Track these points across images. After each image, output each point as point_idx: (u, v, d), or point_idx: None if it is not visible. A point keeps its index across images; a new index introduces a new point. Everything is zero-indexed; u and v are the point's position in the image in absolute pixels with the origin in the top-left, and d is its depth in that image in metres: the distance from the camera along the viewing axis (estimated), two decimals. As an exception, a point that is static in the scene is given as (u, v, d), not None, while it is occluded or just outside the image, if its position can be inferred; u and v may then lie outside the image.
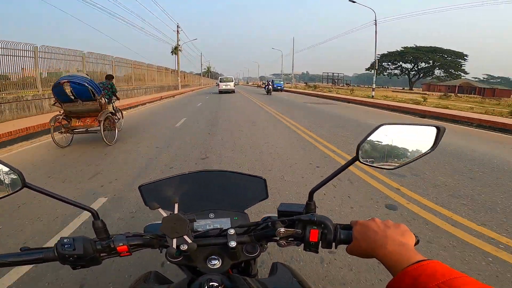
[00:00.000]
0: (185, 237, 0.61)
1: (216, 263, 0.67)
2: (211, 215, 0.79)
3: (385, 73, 71.18)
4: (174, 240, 0.61)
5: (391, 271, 0.50)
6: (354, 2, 21.44)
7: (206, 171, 0.86)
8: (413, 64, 67.05)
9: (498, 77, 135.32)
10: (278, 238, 0.65)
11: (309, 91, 32.79)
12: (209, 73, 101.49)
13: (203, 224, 0.77)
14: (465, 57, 62.31)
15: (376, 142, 0.63)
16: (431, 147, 0.62)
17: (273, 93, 30.48)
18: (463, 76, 64.18)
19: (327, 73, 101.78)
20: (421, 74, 67.93)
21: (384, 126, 0.62)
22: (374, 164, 0.63)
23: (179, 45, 36.17)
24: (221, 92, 28.83)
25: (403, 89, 79.37)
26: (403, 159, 0.63)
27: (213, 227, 0.76)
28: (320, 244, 0.63)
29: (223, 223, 0.77)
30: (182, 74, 38.95)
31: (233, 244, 0.64)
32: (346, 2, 22.32)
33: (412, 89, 64.16)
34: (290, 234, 0.64)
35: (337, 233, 0.63)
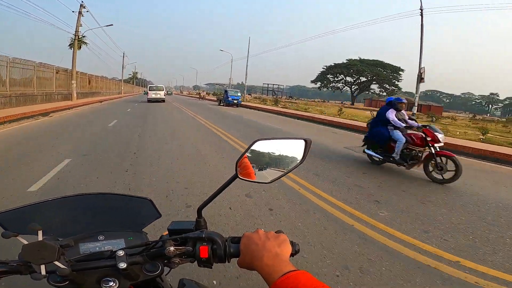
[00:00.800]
0: (56, 262, 0.58)
1: (112, 284, 0.64)
2: (101, 237, 0.73)
3: (329, 87, 69.25)
4: (43, 267, 0.57)
5: (268, 284, 0.50)
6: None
7: (82, 194, 0.77)
8: (355, 78, 66.09)
9: (478, 96, 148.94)
10: (170, 256, 0.64)
11: (270, 107, 25.36)
12: (134, 80, 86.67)
13: (91, 247, 0.71)
14: (400, 71, 63.17)
15: (252, 158, 0.67)
16: (301, 159, 0.68)
17: (224, 109, 22.71)
18: (396, 91, 65.79)
19: (268, 84, 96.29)
20: (360, 89, 67.56)
21: (258, 142, 0.67)
22: (251, 180, 0.67)
23: (81, 34, 22.27)
24: (150, 101, 26.91)
25: (342, 103, 79.57)
26: (278, 173, 0.68)
27: (105, 249, 0.70)
28: (212, 260, 0.64)
29: (116, 244, 0.72)
30: (83, 76, 25.56)
31: (122, 265, 0.61)
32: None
33: (353, 104, 63.05)
34: (182, 252, 0.64)
35: (226, 247, 0.64)
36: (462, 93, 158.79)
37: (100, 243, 0.73)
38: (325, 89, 71.45)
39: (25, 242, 0.58)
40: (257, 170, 0.68)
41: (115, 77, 66.46)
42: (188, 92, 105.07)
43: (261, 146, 0.67)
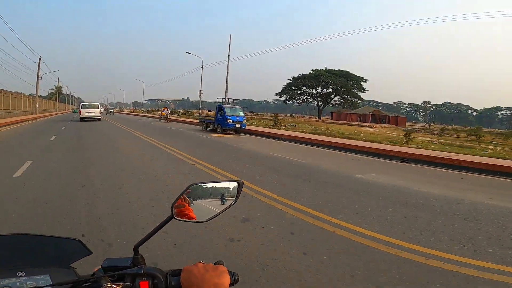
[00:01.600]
0: None
1: None
2: (20, 273, 0.68)
3: (296, 99, 63.68)
4: None
5: None
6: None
7: (3, 235, 0.73)
8: (320, 89, 61.63)
9: (408, 105, 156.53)
10: None
11: (284, 132, 17.49)
12: (58, 95, 67.56)
13: (10, 283, 0.66)
14: (363, 81, 60.44)
15: (187, 200, 0.71)
16: (235, 199, 0.74)
17: (223, 138, 14.18)
18: (359, 102, 63.76)
19: (223, 98, 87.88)
20: (323, 101, 63.47)
21: (194, 186, 0.72)
22: (187, 220, 0.70)
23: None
24: (83, 120, 24.43)
25: (304, 116, 75.15)
26: (212, 213, 0.72)
27: (27, 285, 0.66)
28: None
29: (40, 280, 0.68)
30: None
31: None
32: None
33: (320, 118, 58.65)
34: None
35: (167, 281, 0.65)
36: (395, 102, 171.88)
37: (21, 279, 0.67)
38: (289, 102, 65.92)
39: None
40: (193, 210, 0.71)
41: (33, 93, 51.15)
42: (132, 110, 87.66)
43: (196, 189, 0.72)
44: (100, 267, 0.70)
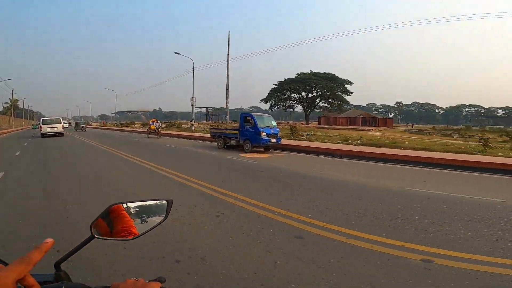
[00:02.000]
0: None
1: None
2: None
3: (282, 105, 60.27)
4: None
5: None
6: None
7: None
8: (305, 94, 58.95)
9: (380, 106, 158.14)
10: None
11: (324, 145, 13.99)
12: (13, 110, 58.17)
13: None
14: (348, 84, 58.12)
15: (109, 220, 0.70)
16: (164, 216, 0.76)
17: (263, 161, 10.31)
18: (345, 105, 61.93)
19: (201, 107, 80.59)
20: (308, 105, 60.74)
21: (116, 205, 0.71)
22: (110, 238, 0.71)
23: None
24: (44, 136, 22.52)
25: (288, 123, 72.43)
26: (142, 229, 0.72)
27: None
28: None
29: None
30: None
31: None
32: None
33: (308, 124, 56.05)
34: None
35: None
36: (367, 104, 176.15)
37: None
38: (275, 109, 62.41)
39: None
40: (117, 228, 0.70)
41: None
42: (103, 123, 74.32)
43: (120, 209, 0.71)
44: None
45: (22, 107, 74.24)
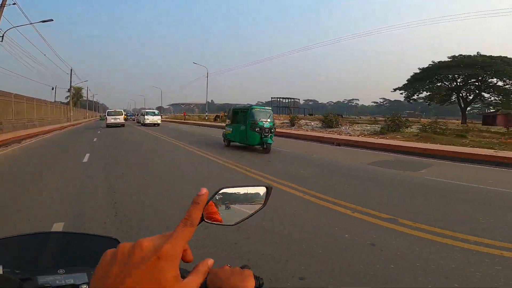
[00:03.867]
0: None
1: None
2: (61, 271, 0.73)
3: (415, 97, 47.22)
4: None
5: None
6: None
7: (43, 233, 0.79)
8: (463, 82, 43.84)
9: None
10: None
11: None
12: (77, 100, 59.51)
13: (51, 280, 0.70)
14: None
15: (218, 202, 0.72)
16: (263, 204, 0.73)
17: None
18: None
19: (279, 98, 71.77)
20: (466, 97, 44.83)
21: (223, 189, 0.71)
22: (216, 223, 0.70)
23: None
24: (109, 126, 25.19)
25: (431, 119, 65.00)
26: (240, 217, 0.72)
27: (65, 283, 0.70)
28: None
29: (78, 278, 0.72)
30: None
31: None
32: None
33: (465, 123, 37.84)
34: None
35: None
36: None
37: (61, 276, 0.72)
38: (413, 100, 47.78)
39: None
40: (222, 214, 0.70)
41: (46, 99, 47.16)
42: (183, 116, 53.92)
43: (226, 193, 0.72)
44: None
45: (91, 99, 78.18)
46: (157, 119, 28.48)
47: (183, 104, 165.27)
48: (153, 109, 29.76)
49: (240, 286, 0.57)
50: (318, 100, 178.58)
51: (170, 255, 0.36)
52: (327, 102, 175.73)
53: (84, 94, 67.28)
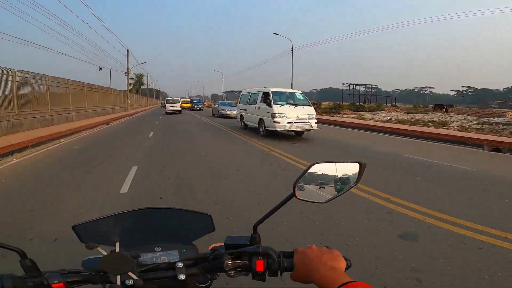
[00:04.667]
0: (130, 273, 0.61)
1: None
2: (157, 248, 0.76)
3: None
4: (118, 277, 0.60)
5: None
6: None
7: (148, 208, 0.79)
8: None
9: None
10: (227, 269, 0.66)
11: None
12: (138, 87, 59.15)
13: (149, 258, 0.73)
14: None
15: (308, 179, 0.70)
16: (356, 181, 0.71)
17: None
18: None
19: (354, 84, 61.55)
20: None
21: (316, 165, 0.70)
22: (308, 199, 0.70)
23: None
24: (168, 113, 27.37)
25: None
26: (332, 193, 0.71)
27: (161, 260, 0.73)
28: (266, 273, 0.66)
29: (171, 255, 0.75)
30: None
31: (182, 277, 0.64)
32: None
33: None
34: (238, 265, 0.66)
35: (280, 262, 0.66)
36: None
37: (158, 253, 0.74)
38: None
39: (104, 253, 0.62)
40: (314, 190, 0.70)
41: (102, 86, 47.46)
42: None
43: (318, 169, 0.70)
44: (216, 244, 0.74)
45: (151, 88, 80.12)
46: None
47: (235, 91, 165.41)
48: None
49: (333, 264, 0.58)
50: (382, 88, 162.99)
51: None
52: (393, 90, 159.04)
53: (145, 82, 67.37)
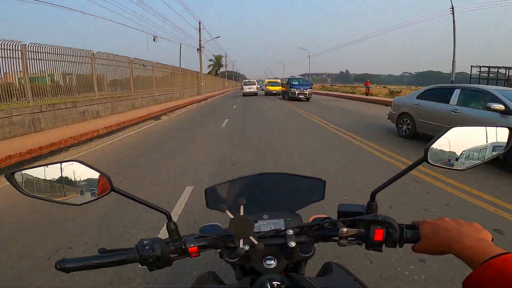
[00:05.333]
0: (251, 237, 0.63)
1: (272, 263, 0.68)
2: (265, 216, 0.78)
3: None
4: (241, 241, 0.63)
5: (471, 264, 0.52)
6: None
7: (267, 173, 0.85)
8: None
9: None
10: (338, 238, 0.66)
11: None
12: (218, 68, 58.69)
13: (259, 225, 0.76)
14: None
15: (445, 144, 0.64)
16: (504, 148, 0.63)
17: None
18: None
19: (488, 67, 37.89)
20: None
21: (455, 128, 0.63)
22: (442, 165, 0.65)
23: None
24: (245, 95, 28.58)
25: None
26: (472, 161, 0.64)
27: (268, 228, 0.75)
28: (384, 243, 0.64)
29: (277, 224, 0.77)
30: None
31: (292, 244, 0.65)
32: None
33: None
34: (352, 234, 0.65)
35: (403, 232, 0.63)
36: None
37: (266, 221, 0.77)
38: None
39: (231, 216, 0.64)
40: (448, 156, 0.65)
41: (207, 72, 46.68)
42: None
43: (457, 133, 0.64)
44: (317, 216, 0.77)
45: (226, 68, 70.28)
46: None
47: (315, 74, 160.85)
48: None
49: (479, 235, 0.56)
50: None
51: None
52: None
53: (227, 66, 64.94)
